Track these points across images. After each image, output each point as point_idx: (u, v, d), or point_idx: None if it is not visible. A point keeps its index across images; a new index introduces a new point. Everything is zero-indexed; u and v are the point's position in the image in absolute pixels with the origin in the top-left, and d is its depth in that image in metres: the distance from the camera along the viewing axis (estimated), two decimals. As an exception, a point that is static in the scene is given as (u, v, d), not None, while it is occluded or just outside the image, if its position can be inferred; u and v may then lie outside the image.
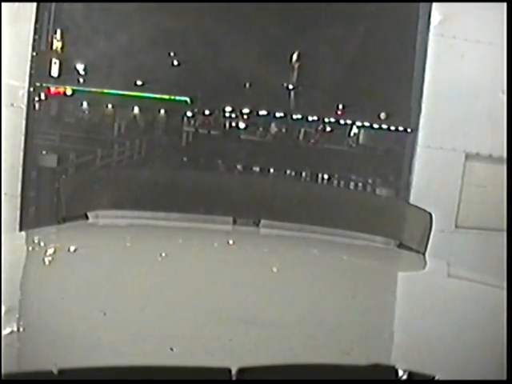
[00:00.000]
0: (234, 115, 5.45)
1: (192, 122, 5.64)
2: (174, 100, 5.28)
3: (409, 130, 4.69)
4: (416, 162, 4.49)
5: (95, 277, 1.47)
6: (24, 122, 4.21)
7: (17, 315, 1.20)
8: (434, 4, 4.41)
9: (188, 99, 5.29)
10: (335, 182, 5.47)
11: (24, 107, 4.21)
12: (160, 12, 4.62)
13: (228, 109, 5.36)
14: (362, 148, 5.50)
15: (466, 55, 4.42)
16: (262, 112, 5.33)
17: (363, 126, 5.39)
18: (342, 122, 5.32)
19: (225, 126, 5.64)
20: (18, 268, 1.56)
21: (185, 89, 5.20)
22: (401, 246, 2.39)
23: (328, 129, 5.50)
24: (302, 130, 5.56)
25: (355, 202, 2.74)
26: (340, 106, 5.35)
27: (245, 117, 5.43)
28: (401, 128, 4.93)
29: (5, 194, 4.14)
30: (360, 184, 5.38)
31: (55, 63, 4.83)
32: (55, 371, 0.89)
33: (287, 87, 5.32)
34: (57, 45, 4.85)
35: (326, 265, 1.92)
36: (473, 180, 4.53)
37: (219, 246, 2.07)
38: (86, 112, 5.32)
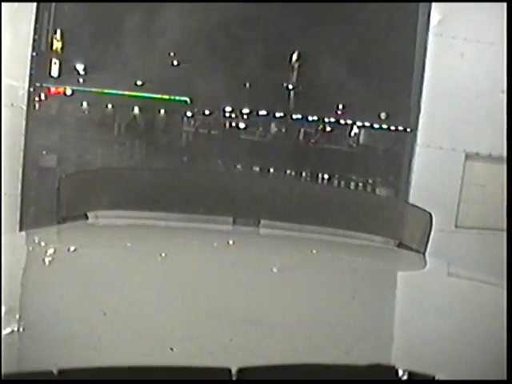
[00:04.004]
0: (233, 115, 5.46)
1: (192, 121, 5.65)
2: (174, 100, 5.28)
3: (408, 130, 4.69)
4: (415, 162, 4.49)
5: (95, 277, 1.47)
6: (24, 122, 4.21)
7: (17, 315, 1.20)
8: (434, 4, 4.42)
9: (188, 99, 5.29)
10: (335, 181, 5.46)
11: (24, 107, 4.21)
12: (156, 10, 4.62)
13: (228, 109, 5.36)
14: (362, 148, 5.51)
15: (465, 55, 4.42)
16: (262, 112, 5.33)
17: (363, 125, 5.39)
18: (342, 121, 5.32)
19: (225, 125, 5.64)
20: (18, 268, 1.56)
21: (184, 88, 5.20)
22: (400, 245, 2.40)
23: (328, 128, 5.51)
24: (302, 130, 5.56)
25: (355, 201, 2.74)
26: (340, 106, 5.35)
27: (245, 117, 5.44)
28: (400, 128, 4.93)
29: (5, 193, 4.14)
30: (360, 184, 5.38)
31: (55, 63, 4.83)
32: (55, 371, 0.89)
33: (287, 87, 5.32)
34: (57, 45, 4.85)
35: (326, 265, 1.92)
36: (473, 180, 4.53)
37: (219, 246, 2.08)
38: (86, 112, 5.32)
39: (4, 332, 1.05)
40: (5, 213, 4.08)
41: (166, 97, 5.37)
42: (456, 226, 4.52)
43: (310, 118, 5.40)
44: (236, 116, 5.55)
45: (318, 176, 5.44)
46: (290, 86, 5.34)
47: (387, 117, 5.18)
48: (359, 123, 5.41)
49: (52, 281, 1.46)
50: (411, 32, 4.55)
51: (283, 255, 1.98)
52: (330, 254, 2.16)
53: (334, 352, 1.12)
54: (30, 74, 4.23)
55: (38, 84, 4.44)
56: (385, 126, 5.19)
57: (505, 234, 4.23)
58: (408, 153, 4.59)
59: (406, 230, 2.48)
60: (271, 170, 5.49)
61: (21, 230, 4.12)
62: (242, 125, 5.68)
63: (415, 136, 4.51)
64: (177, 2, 4.69)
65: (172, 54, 5.35)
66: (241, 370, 0.91)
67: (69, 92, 4.99)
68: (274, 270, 1.74)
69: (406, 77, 4.61)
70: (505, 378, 1.04)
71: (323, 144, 5.61)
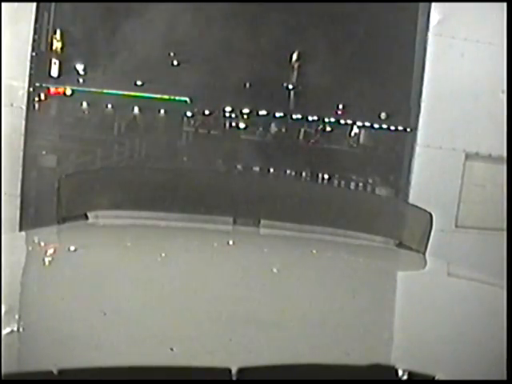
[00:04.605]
0: (234, 115, 5.46)
1: (192, 121, 5.65)
2: (174, 100, 5.28)
3: (408, 130, 4.69)
4: (415, 162, 4.49)
5: (95, 277, 1.47)
6: (24, 122, 4.21)
7: (17, 315, 1.20)
8: (434, 4, 4.41)
9: (188, 99, 5.29)
10: (335, 181, 5.46)
11: (24, 107, 4.21)
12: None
13: (228, 109, 5.36)
14: (362, 148, 5.51)
15: (465, 55, 4.42)
16: (262, 112, 5.33)
17: (363, 125, 5.40)
18: (342, 121, 5.33)
19: (225, 125, 5.64)
20: (18, 268, 1.56)
21: (184, 89, 5.20)
22: (400, 245, 2.39)
23: (328, 128, 5.52)
24: (302, 130, 5.56)
25: (355, 201, 2.74)
26: (340, 106, 5.35)
27: (245, 117, 5.44)
28: (400, 128, 4.93)
29: (5, 193, 4.14)
30: (360, 184, 5.39)
31: (55, 63, 4.84)
32: (55, 371, 0.89)
33: (287, 87, 5.33)
34: (57, 45, 4.85)
35: (326, 265, 1.92)
36: (472, 180, 4.53)
37: (219, 246, 2.08)
38: (86, 112, 5.33)
39: (4, 332, 1.05)
40: (5, 213, 4.08)
41: (166, 97, 5.37)
42: (456, 226, 4.52)
43: (310, 118, 5.40)
44: (236, 116, 5.55)
45: (318, 176, 5.44)
46: (290, 86, 5.34)
47: (387, 117, 5.18)
48: (359, 123, 5.41)
49: (52, 281, 1.46)
50: (411, 32, 4.55)
51: (283, 255, 1.98)
52: (330, 253, 2.16)
53: (334, 352, 1.12)
54: (30, 74, 4.23)
55: (37, 84, 4.44)
56: (385, 126, 5.19)
57: (505, 233, 4.23)
58: (408, 153, 4.59)
59: (406, 230, 2.48)
60: (271, 170, 5.49)
61: (21, 230, 4.11)
62: (242, 125, 5.68)
63: (415, 136, 4.50)
64: (176, 2, 4.69)
65: (172, 53, 5.35)
66: (241, 370, 0.91)
67: (69, 92, 4.99)
68: (274, 270, 1.74)
69: (406, 76, 4.61)
70: (505, 378, 1.04)
71: (323, 144, 5.61)
